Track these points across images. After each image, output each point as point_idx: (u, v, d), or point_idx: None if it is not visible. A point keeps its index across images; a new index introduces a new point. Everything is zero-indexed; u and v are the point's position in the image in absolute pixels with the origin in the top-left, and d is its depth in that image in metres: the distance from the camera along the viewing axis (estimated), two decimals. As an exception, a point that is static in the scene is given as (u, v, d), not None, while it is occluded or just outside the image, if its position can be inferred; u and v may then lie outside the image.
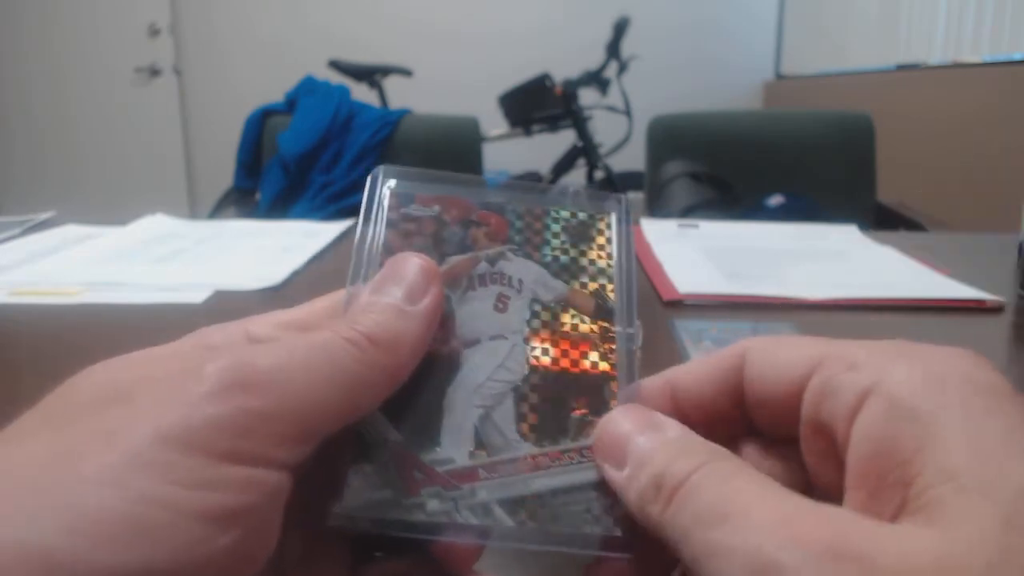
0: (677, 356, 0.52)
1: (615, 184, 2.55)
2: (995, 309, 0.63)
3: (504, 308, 0.25)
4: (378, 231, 0.25)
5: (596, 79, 2.50)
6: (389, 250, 0.24)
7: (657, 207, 1.58)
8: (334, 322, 0.20)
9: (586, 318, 0.25)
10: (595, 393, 0.23)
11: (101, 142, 3.56)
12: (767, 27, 3.62)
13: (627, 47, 2.50)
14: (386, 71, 2.53)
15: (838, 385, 0.18)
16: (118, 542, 0.14)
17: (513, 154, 2.95)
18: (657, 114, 1.73)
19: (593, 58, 2.52)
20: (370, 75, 2.50)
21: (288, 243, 0.85)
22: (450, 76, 3.38)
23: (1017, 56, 1.98)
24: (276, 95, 1.97)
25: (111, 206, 3.28)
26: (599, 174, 2.59)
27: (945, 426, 0.16)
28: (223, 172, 2.07)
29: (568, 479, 0.22)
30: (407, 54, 2.94)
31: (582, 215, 0.27)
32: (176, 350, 0.20)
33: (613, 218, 0.27)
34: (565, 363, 0.24)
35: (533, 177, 2.74)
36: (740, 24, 3.59)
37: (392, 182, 0.26)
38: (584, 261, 0.26)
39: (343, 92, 1.93)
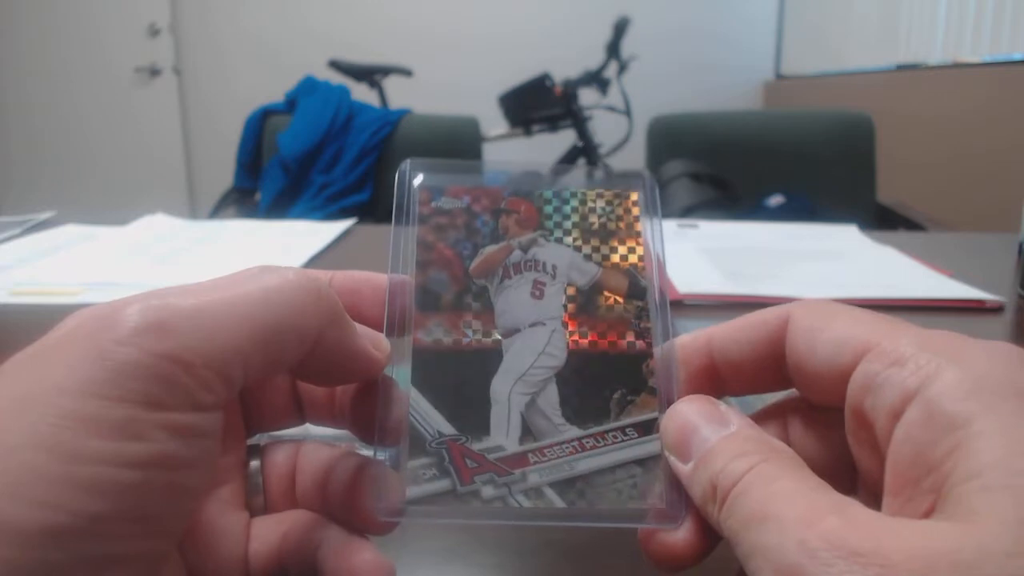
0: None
1: (615, 184, 2.55)
2: (995, 309, 0.63)
3: (540, 295, 0.25)
4: (411, 226, 0.26)
5: (596, 79, 2.50)
6: (424, 245, 0.25)
7: (657, 207, 1.57)
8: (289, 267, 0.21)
9: (620, 299, 0.25)
10: (634, 372, 0.24)
11: (101, 142, 3.56)
12: (767, 27, 3.61)
13: (627, 47, 2.50)
14: (386, 71, 2.53)
15: (882, 382, 0.18)
16: (53, 501, 0.14)
17: (513, 154, 2.95)
18: (657, 114, 1.73)
19: (593, 58, 2.52)
20: (370, 75, 2.50)
21: (288, 243, 0.85)
22: (450, 76, 3.38)
23: (1017, 56, 1.98)
24: (276, 95, 1.97)
25: (111, 206, 3.28)
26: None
27: (979, 430, 0.16)
28: (223, 172, 2.07)
29: (612, 458, 0.23)
30: (407, 54, 2.94)
31: (608, 194, 0.27)
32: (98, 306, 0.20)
33: (640, 196, 0.28)
34: (603, 345, 0.25)
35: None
36: (740, 25, 3.59)
37: (420, 176, 0.27)
38: (614, 241, 0.27)
39: (343, 92, 1.93)
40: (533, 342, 0.24)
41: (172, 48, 3.53)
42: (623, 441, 0.23)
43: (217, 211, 2.00)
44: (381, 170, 1.82)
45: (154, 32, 3.48)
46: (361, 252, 0.87)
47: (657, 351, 0.24)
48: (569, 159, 2.62)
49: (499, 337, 0.24)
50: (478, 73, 3.39)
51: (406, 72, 2.54)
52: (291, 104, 1.91)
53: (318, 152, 1.82)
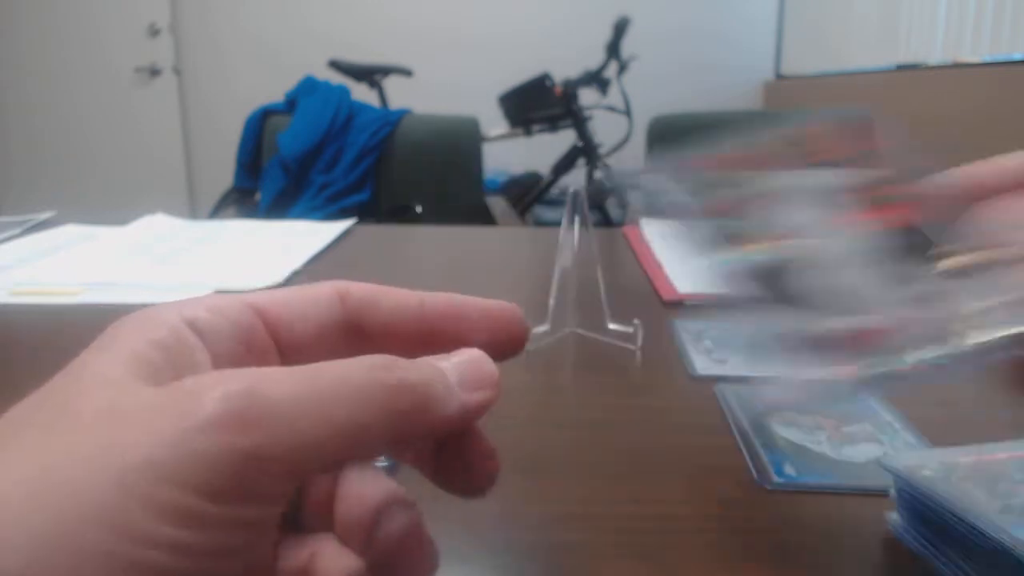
0: (677, 356, 0.52)
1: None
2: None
3: (823, 208, 0.28)
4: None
5: (596, 79, 2.50)
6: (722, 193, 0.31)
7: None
8: (367, 359, 0.19)
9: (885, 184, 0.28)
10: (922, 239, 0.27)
11: (101, 142, 3.56)
12: (767, 27, 3.61)
13: (627, 47, 2.50)
14: (386, 71, 2.53)
15: None
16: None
17: (513, 154, 2.95)
18: (657, 114, 1.73)
19: (593, 58, 2.52)
20: (370, 75, 2.50)
21: (288, 243, 0.85)
22: (450, 77, 3.38)
23: (1017, 56, 1.98)
24: (276, 95, 1.97)
25: (111, 206, 3.28)
26: (599, 174, 2.59)
27: None
28: (223, 172, 2.07)
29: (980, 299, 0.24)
30: (407, 55, 2.94)
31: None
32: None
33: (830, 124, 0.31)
34: (897, 222, 0.27)
35: (533, 177, 2.73)
36: (740, 25, 3.59)
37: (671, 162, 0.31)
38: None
39: (343, 92, 1.93)
40: (836, 242, 0.27)
41: (172, 48, 3.53)
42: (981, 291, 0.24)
43: (217, 211, 2.00)
44: (381, 170, 1.82)
45: (154, 32, 3.48)
46: (361, 252, 0.87)
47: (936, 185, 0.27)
48: (569, 159, 2.62)
49: (812, 247, 0.27)
50: (478, 73, 3.39)
51: (406, 72, 2.54)
52: (291, 104, 1.91)
53: (318, 152, 1.82)
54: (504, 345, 0.22)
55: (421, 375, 0.19)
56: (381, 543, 0.20)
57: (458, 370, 0.20)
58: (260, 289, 0.23)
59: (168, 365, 0.19)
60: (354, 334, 0.22)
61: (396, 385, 0.18)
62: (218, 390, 0.16)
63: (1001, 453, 0.29)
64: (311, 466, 0.17)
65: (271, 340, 0.22)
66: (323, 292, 0.23)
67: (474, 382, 0.20)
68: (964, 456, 0.29)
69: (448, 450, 0.21)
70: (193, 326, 0.20)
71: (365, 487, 0.21)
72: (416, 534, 0.20)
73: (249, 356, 0.21)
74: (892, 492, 0.31)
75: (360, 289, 0.23)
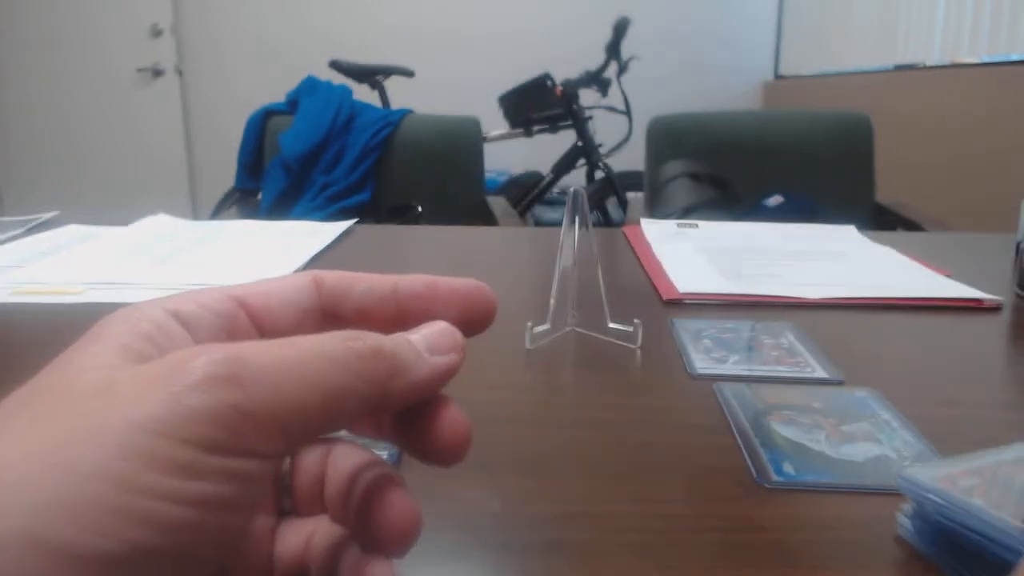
0: (677, 356, 0.52)
1: (615, 184, 2.55)
2: (993, 309, 0.63)
3: None
4: None
5: (596, 79, 2.50)
6: None
7: (657, 207, 1.58)
8: (340, 332, 0.20)
9: None
10: None
11: (103, 142, 3.56)
12: (766, 28, 3.62)
13: (627, 48, 2.50)
14: (387, 72, 2.53)
15: None
16: (109, 530, 0.15)
17: (513, 154, 2.95)
18: (657, 114, 1.74)
19: (593, 59, 2.53)
20: (371, 76, 2.50)
21: (289, 243, 0.85)
22: (451, 77, 3.39)
23: (1015, 56, 1.98)
24: (278, 95, 1.97)
25: (113, 206, 3.28)
26: (599, 174, 2.59)
27: None
28: (225, 172, 2.07)
29: None
30: (408, 55, 2.94)
31: None
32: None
33: None
34: None
35: (534, 177, 2.74)
36: (739, 25, 3.60)
37: None
38: None
39: (345, 92, 1.93)
40: None
41: (174, 49, 3.53)
42: None
43: (218, 211, 2.01)
44: (382, 170, 1.82)
45: (156, 33, 3.48)
46: (361, 252, 0.87)
47: None
48: (569, 159, 2.63)
49: None
50: (478, 73, 3.39)
51: (407, 73, 2.54)
52: (292, 104, 1.91)
53: (320, 152, 1.82)
54: (474, 322, 0.23)
55: (390, 343, 0.20)
56: (355, 503, 0.22)
57: (426, 340, 0.21)
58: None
59: (156, 353, 0.19)
60: (331, 320, 0.23)
61: (367, 352, 0.19)
62: (205, 356, 0.17)
63: (1010, 456, 0.29)
64: (295, 425, 0.18)
65: (254, 328, 0.22)
66: (301, 281, 0.23)
67: (440, 348, 0.21)
68: (977, 462, 0.29)
69: (421, 418, 0.22)
70: (177, 317, 0.21)
71: (346, 462, 0.23)
72: (386, 487, 0.21)
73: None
74: (908, 507, 0.30)
75: (333, 276, 0.24)
